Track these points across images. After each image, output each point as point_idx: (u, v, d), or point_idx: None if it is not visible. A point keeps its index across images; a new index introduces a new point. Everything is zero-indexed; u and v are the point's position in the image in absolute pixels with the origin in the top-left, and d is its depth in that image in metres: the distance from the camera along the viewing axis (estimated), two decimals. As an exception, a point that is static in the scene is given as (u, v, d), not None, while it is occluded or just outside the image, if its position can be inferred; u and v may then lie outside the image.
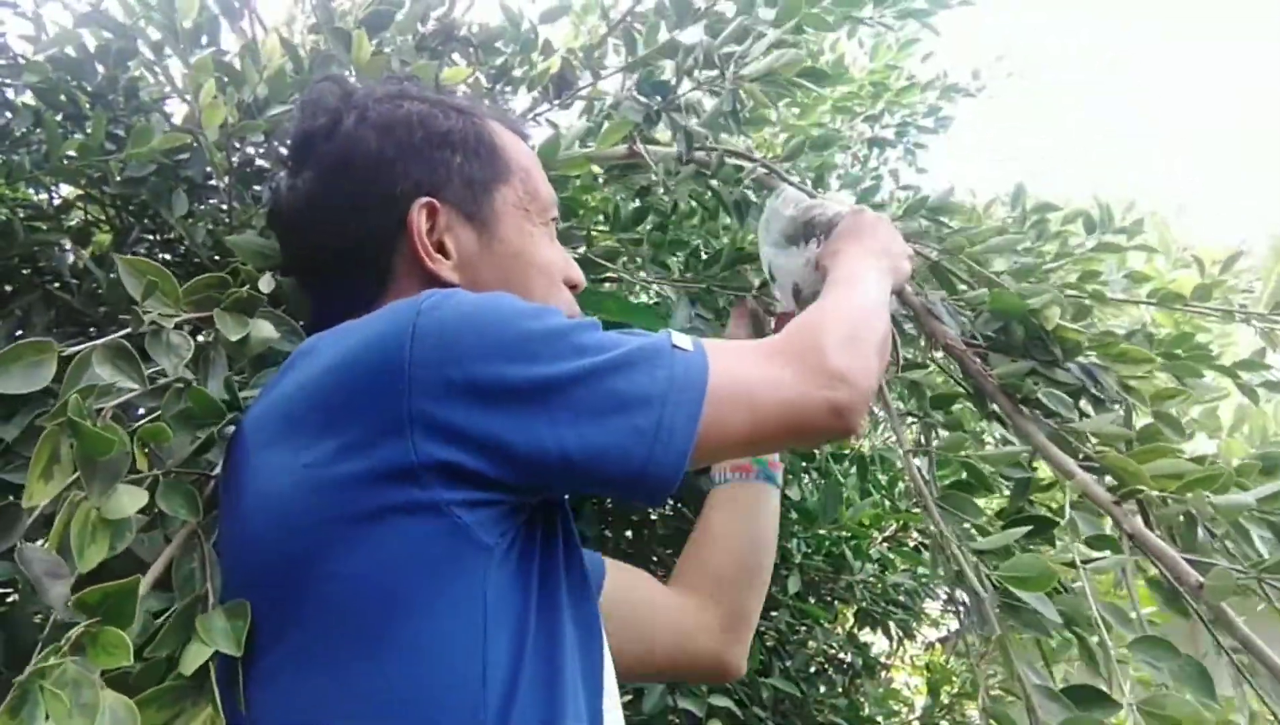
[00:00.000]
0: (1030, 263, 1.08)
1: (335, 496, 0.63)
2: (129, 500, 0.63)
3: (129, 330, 0.72)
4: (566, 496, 0.75)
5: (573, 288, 0.87)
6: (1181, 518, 0.83)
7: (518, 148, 0.87)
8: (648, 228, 1.28)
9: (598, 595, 0.91)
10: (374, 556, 0.62)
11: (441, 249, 0.79)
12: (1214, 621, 0.73)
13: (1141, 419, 0.97)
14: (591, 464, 0.64)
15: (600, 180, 1.31)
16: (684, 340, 0.70)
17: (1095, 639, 0.78)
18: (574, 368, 0.64)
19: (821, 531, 1.69)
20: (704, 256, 1.30)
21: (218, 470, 0.75)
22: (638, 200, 1.31)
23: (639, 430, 0.64)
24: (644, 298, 1.42)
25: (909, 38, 1.90)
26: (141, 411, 0.76)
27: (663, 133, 1.20)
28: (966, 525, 0.86)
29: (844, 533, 1.71)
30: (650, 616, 0.96)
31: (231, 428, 0.74)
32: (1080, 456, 0.91)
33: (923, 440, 1.02)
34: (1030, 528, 0.87)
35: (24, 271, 1.12)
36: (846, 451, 1.71)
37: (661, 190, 1.14)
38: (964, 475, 0.99)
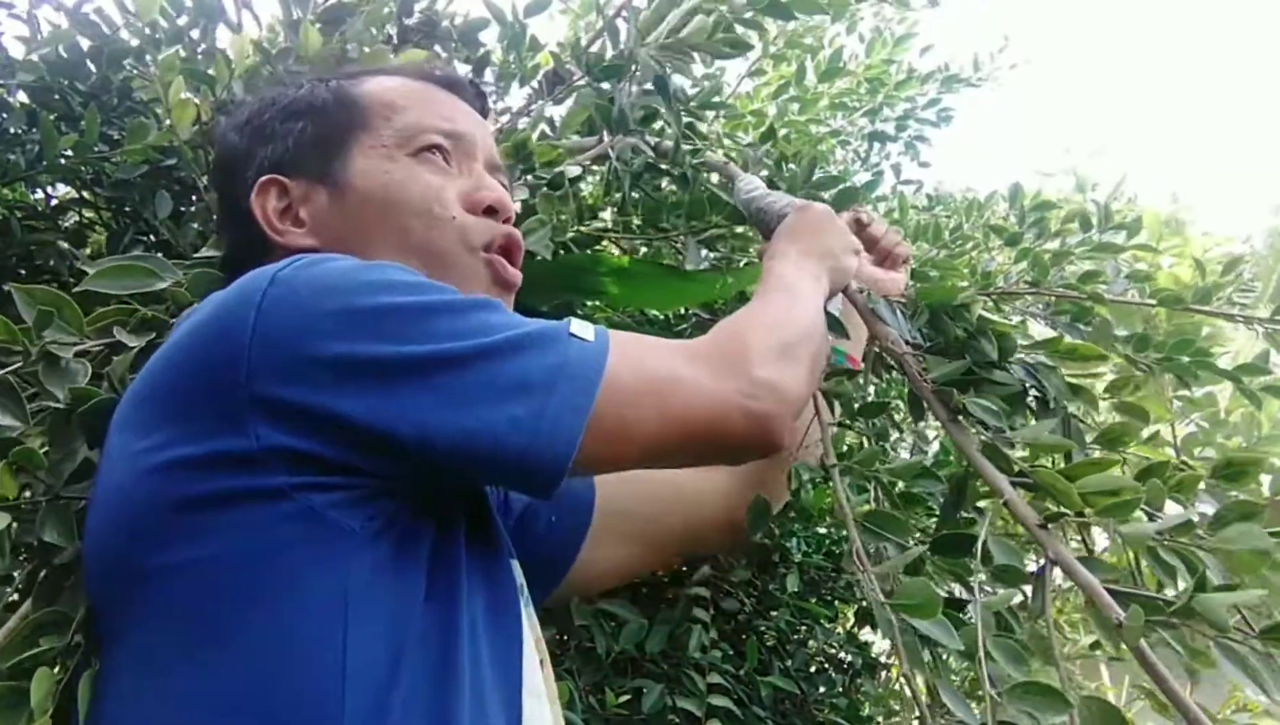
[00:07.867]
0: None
1: (168, 480, 0.58)
2: None
3: (19, 364, 0.70)
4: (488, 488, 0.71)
5: (492, 212, 0.79)
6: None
7: (389, 88, 0.82)
8: (636, 196, 1.25)
9: (585, 530, 0.90)
10: (214, 546, 0.56)
11: (298, 220, 0.77)
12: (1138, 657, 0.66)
13: (1104, 417, 0.89)
14: (459, 453, 0.58)
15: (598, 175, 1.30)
16: (585, 329, 0.64)
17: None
18: (447, 349, 0.59)
19: (821, 529, 1.68)
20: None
21: None
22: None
23: (515, 420, 0.58)
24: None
25: (905, 33, 1.89)
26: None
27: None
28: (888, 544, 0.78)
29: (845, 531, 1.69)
30: (673, 494, 0.94)
31: None
32: (1017, 470, 0.81)
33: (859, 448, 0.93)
34: (942, 545, 0.78)
35: (21, 271, 1.14)
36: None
37: (613, 176, 1.12)
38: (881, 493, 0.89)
